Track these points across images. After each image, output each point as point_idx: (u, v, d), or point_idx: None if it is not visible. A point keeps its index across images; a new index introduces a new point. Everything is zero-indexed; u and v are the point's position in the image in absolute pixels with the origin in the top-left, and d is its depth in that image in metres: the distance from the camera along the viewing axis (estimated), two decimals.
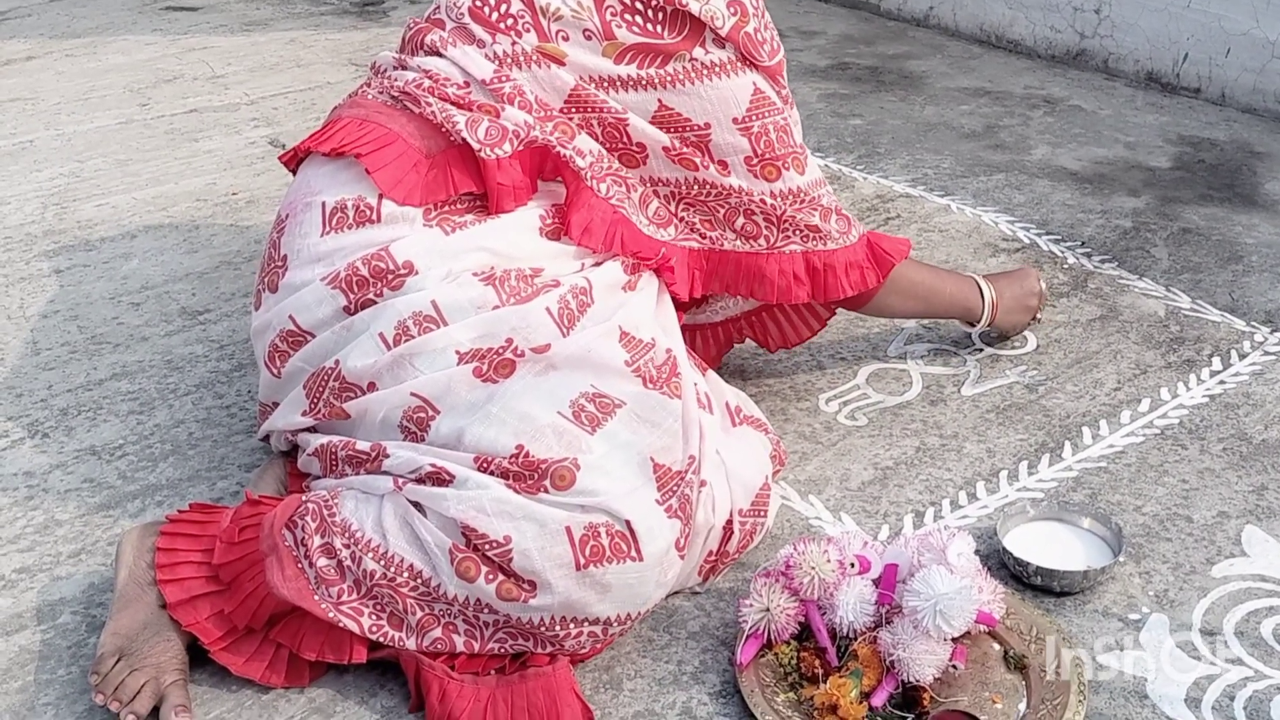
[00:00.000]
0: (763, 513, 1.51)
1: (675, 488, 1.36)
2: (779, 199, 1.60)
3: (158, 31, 3.77)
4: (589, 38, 1.50)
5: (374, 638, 1.32)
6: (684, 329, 1.76)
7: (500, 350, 1.37)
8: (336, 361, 1.41)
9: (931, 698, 1.30)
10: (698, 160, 1.55)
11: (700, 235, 1.61)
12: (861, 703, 1.28)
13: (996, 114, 3.01)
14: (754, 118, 1.55)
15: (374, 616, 1.32)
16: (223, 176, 2.69)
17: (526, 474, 1.30)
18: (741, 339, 1.89)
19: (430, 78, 1.50)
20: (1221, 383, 1.89)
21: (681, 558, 1.36)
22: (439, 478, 1.32)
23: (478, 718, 1.28)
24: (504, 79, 1.49)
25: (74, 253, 2.35)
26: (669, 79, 1.51)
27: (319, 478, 1.47)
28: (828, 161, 2.74)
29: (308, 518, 1.34)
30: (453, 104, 1.47)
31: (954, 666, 1.33)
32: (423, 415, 1.36)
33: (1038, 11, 3.38)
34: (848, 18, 3.86)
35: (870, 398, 1.87)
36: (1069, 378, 1.91)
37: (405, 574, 1.30)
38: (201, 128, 2.98)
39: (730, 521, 1.46)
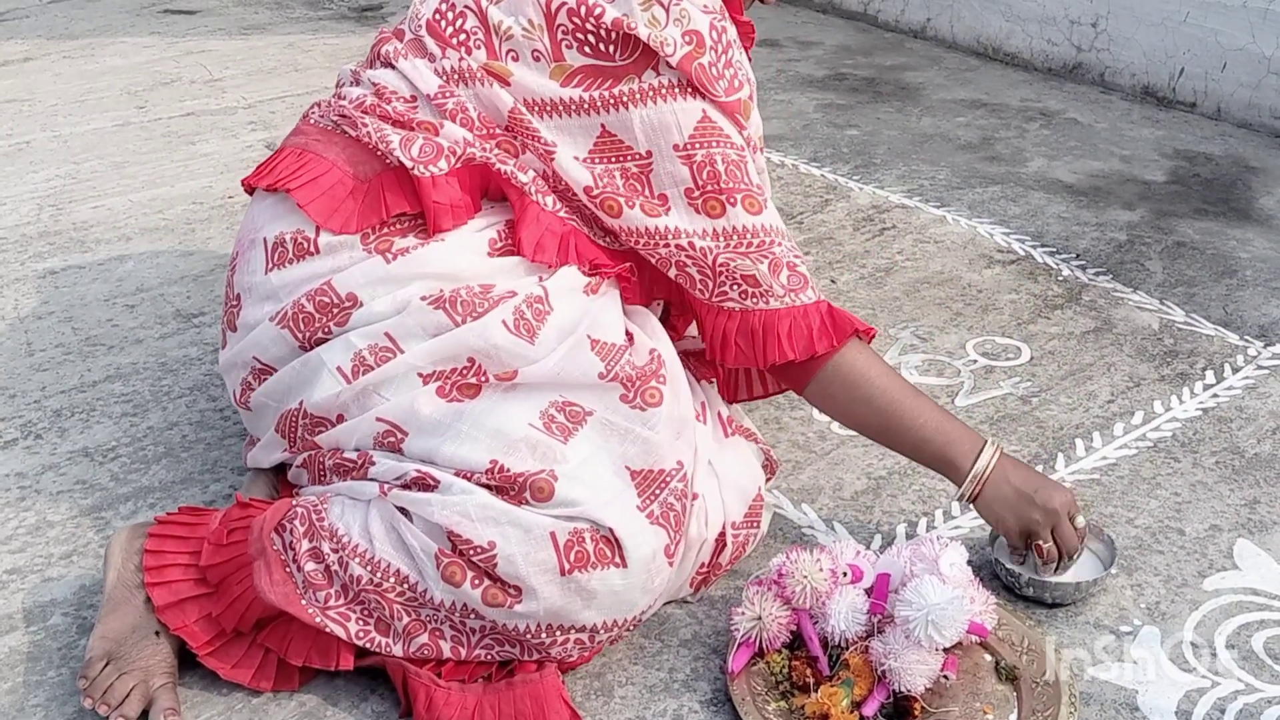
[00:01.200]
0: (755, 524, 1.51)
1: (656, 493, 1.35)
2: (719, 239, 1.44)
3: (155, 34, 3.77)
4: (537, 59, 1.44)
5: (360, 643, 1.31)
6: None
7: (464, 372, 1.36)
8: (300, 402, 1.41)
9: (923, 708, 1.30)
10: (620, 202, 1.44)
11: (636, 273, 1.52)
12: (853, 712, 1.28)
13: (993, 126, 3.02)
14: (697, 145, 1.42)
15: (360, 622, 1.31)
16: (219, 180, 2.69)
17: (506, 487, 1.30)
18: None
19: (377, 92, 1.48)
20: (1215, 396, 1.89)
21: (671, 566, 1.36)
22: (424, 483, 1.32)
23: None
24: (448, 95, 1.45)
25: (69, 254, 2.34)
26: (614, 101, 1.42)
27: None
28: (824, 172, 2.74)
29: (296, 521, 1.34)
30: (392, 122, 1.45)
31: (945, 677, 1.33)
32: (392, 439, 1.36)
33: (1035, 25, 3.39)
34: (845, 28, 3.87)
35: None
36: (1063, 389, 1.91)
37: (392, 579, 1.30)
38: (198, 131, 2.98)
39: (723, 534, 1.45)
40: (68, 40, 3.71)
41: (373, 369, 1.36)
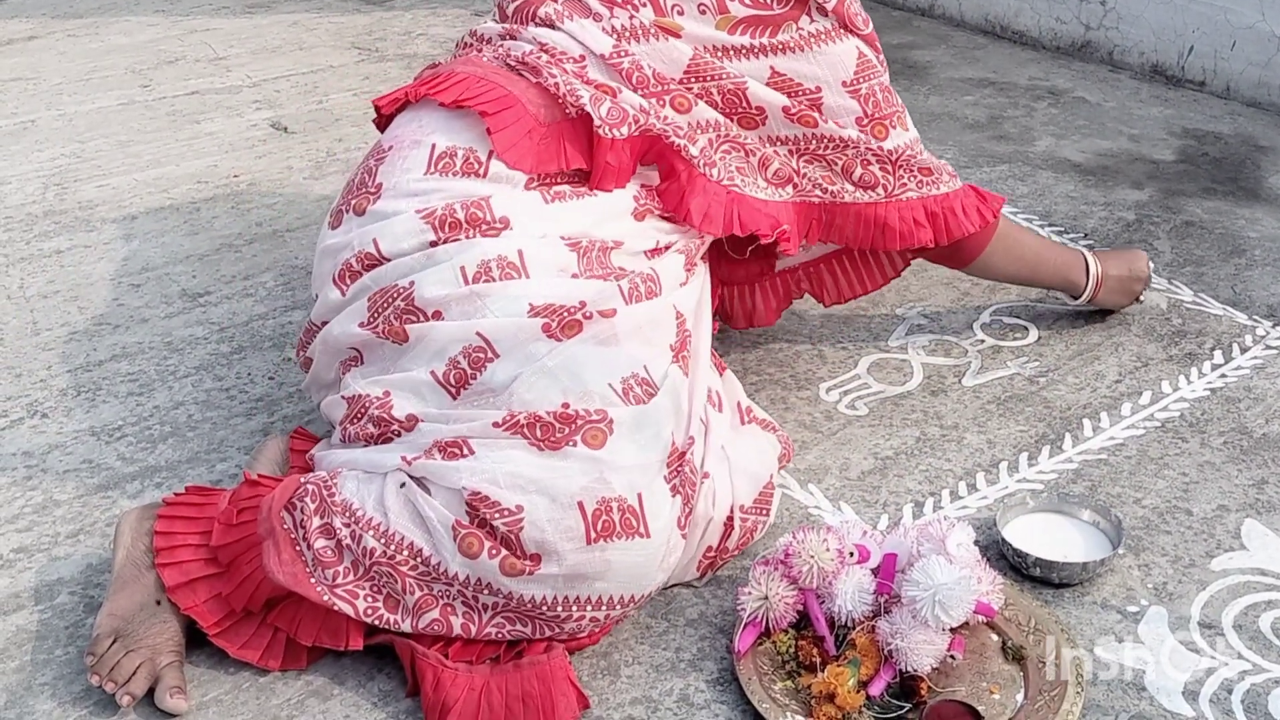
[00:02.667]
0: (765, 511, 1.51)
1: (679, 467, 1.36)
2: (890, 152, 1.66)
3: (160, 12, 3.76)
4: (703, 12, 1.57)
5: (369, 620, 1.31)
6: (744, 287, 1.86)
7: (572, 310, 1.37)
8: (411, 283, 1.40)
9: (929, 687, 1.30)
10: (816, 116, 1.61)
11: (821, 190, 1.66)
12: (859, 692, 1.28)
13: (1001, 105, 3.00)
14: (861, 80, 1.63)
15: (370, 598, 1.31)
16: (224, 159, 2.68)
17: (559, 425, 1.31)
18: (800, 293, 1.91)
19: (546, 50, 1.53)
20: (1223, 376, 1.89)
21: (683, 537, 1.37)
22: (455, 451, 1.32)
23: (471, 705, 1.28)
24: (623, 54, 1.53)
25: (74, 233, 2.34)
26: (780, 47, 1.58)
27: (327, 434, 1.47)
28: None
29: (307, 499, 1.34)
30: (574, 78, 1.50)
31: (952, 657, 1.33)
32: (481, 355, 1.36)
33: (1043, 2, 3.37)
34: None
35: (871, 387, 1.87)
36: (1070, 369, 1.90)
37: (405, 552, 1.30)
38: (203, 110, 2.97)
39: (731, 517, 1.45)
40: (72, 19, 3.70)
41: (494, 280, 1.38)
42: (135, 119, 2.91)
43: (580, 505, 1.29)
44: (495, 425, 1.32)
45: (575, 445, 1.30)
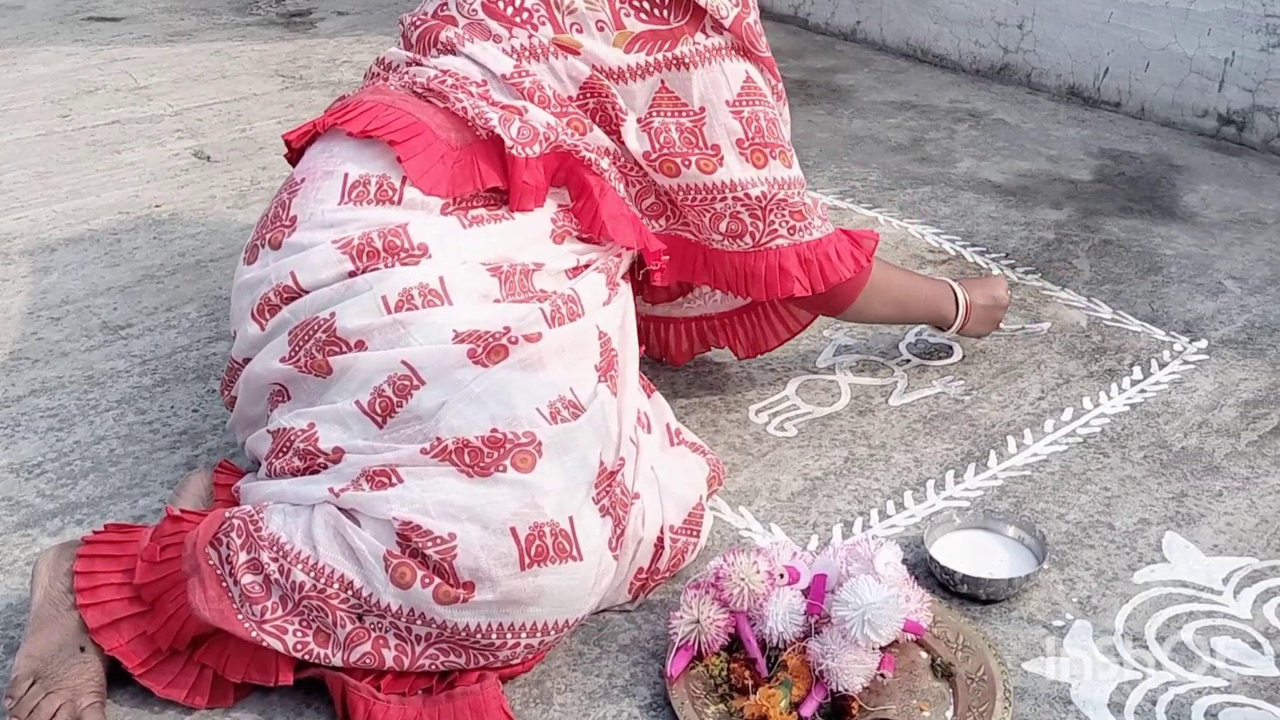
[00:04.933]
0: (695, 532, 1.51)
1: (608, 488, 1.36)
2: (765, 186, 1.63)
3: (79, 42, 3.71)
4: (601, 29, 1.56)
5: (299, 655, 1.30)
6: (660, 322, 1.88)
7: (496, 336, 1.37)
8: (332, 314, 1.39)
9: (860, 707, 1.31)
10: (677, 162, 1.59)
11: (692, 232, 1.66)
12: (791, 713, 1.29)
13: (923, 127, 3.04)
14: (744, 103, 1.61)
15: (300, 633, 1.30)
16: (145, 189, 2.65)
17: (487, 451, 1.30)
18: (707, 347, 1.93)
19: (450, 75, 1.52)
20: (1142, 391, 1.92)
21: (615, 559, 1.37)
22: (384, 480, 1.31)
23: None
24: (524, 74, 1.53)
25: None
26: (674, 61, 1.57)
27: (253, 469, 1.46)
28: None
29: (233, 534, 1.32)
30: (480, 100, 1.50)
31: (882, 675, 1.33)
32: (407, 384, 1.35)
33: (962, 27, 3.43)
34: (776, 31, 3.88)
35: (800, 409, 1.88)
36: (994, 387, 1.93)
37: (336, 585, 1.29)
38: (124, 139, 2.94)
39: (661, 538, 1.46)
40: None
41: (416, 309, 1.38)
42: (54, 149, 2.86)
43: (513, 531, 1.28)
44: (423, 452, 1.31)
45: (504, 470, 1.30)
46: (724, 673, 1.35)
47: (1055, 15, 3.20)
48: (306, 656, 1.30)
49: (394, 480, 1.31)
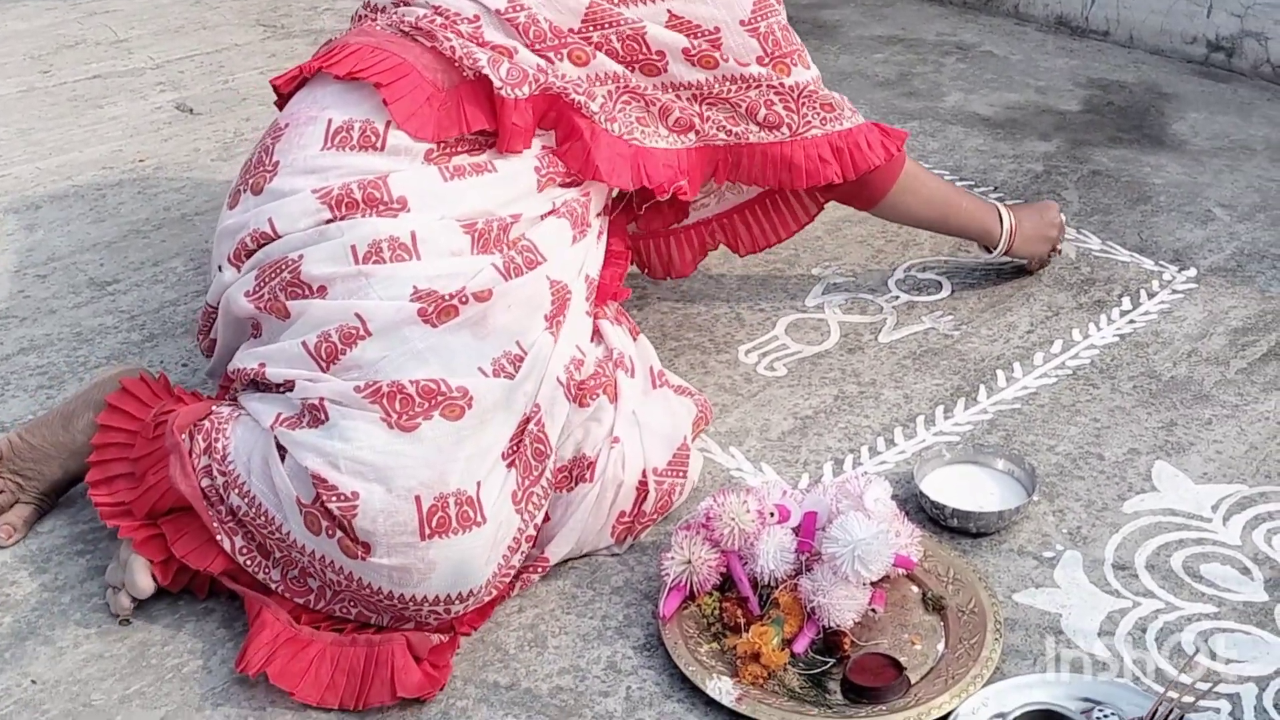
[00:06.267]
0: (682, 473, 1.51)
1: (520, 437, 1.37)
2: (794, 81, 1.66)
3: None
4: None
5: (242, 559, 1.34)
6: (659, 237, 1.87)
7: (449, 297, 1.36)
8: (300, 256, 1.39)
9: (852, 642, 1.32)
10: (716, 57, 1.61)
11: (725, 132, 1.66)
12: (783, 650, 1.30)
13: (910, 61, 3.02)
14: (759, 18, 1.63)
15: (245, 538, 1.35)
16: (129, 143, 2.63)
17: (419, 400, 1.30)
18: (715, 244, 1.92)
19: (440, 14, 1.51)
20: (1131, 322, 1.92)
21: (518, 512, 1.35)
22: (317, 415, 1.32)
23: (299, 671, 1.29)
24: (519, 7, 1.52)
25: None
26: None
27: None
28: None
29: (199, 436, 1.37)
30: (469, 41, 1.49)
31: (873, 610, 1.35)
32: (354, 333, 1.35)
33: None
34: None
35: (789, 348, 1.88)
36: (983, 322, 1.93)
37: (263, 517, 1.33)
38: (106, 94, 2.91)
39: (644, 481, 1.46)
40: None
41: (384, 261, 1.37)
42: (36, 106, 2.84)
43: (417, 499, 1.28)
44: (357, 390, 1.32)
45: (431, 419, 1.30)
46: (716, 612, 1.36)
47: None
48: (248, 562, 1.35)
49: (323, 416, 1.31)
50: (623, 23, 1.57)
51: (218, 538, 1.34)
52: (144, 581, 1.36)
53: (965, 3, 3.39)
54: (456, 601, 1.32)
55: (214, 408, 1.41)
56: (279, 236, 1.41)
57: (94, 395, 1.49)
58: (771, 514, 1.39)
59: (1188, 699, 1.23)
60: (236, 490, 1.33)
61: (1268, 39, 2.80)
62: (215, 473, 1.35)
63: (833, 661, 1.31)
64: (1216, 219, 2.22)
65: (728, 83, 1.63)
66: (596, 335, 1.54)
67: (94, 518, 1.47)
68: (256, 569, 1.34)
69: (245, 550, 1.34)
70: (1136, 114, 2.67)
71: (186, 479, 1.34)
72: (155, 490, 1.36)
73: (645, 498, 1.46)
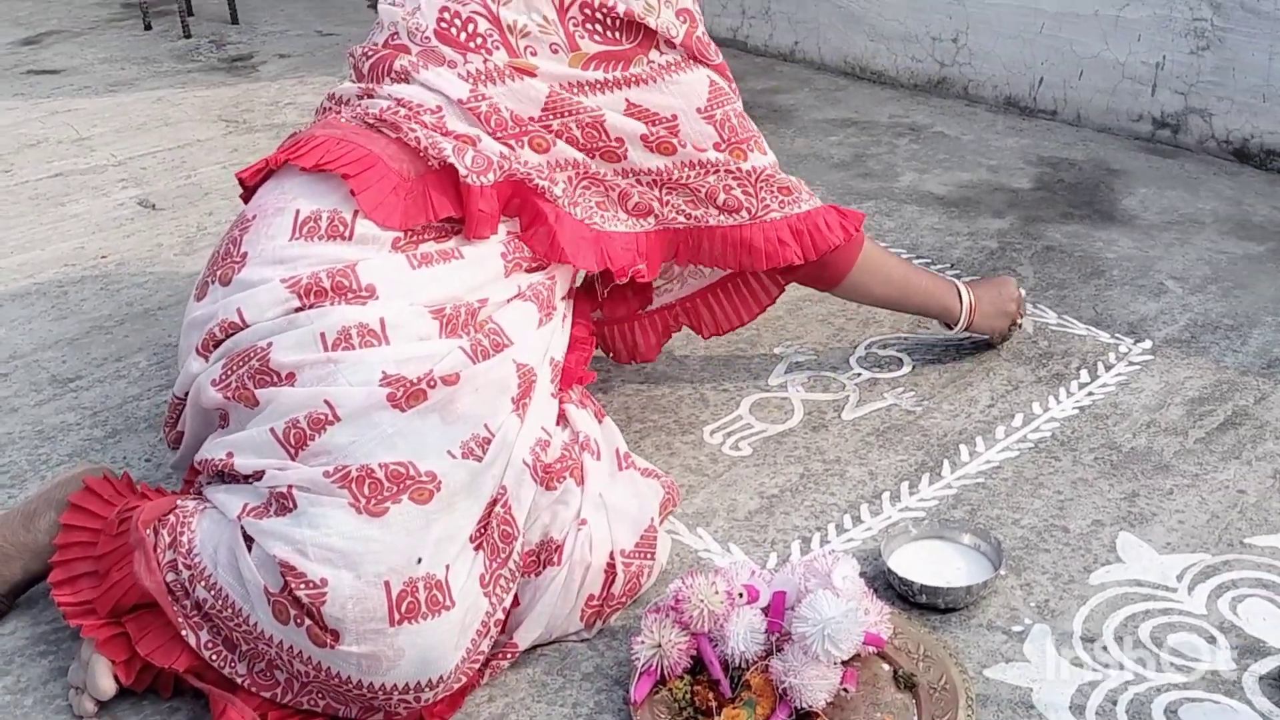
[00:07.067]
0: (650, 555, 1.51)
1: (486, 519, 1.38)
2: (750, 167, 1.70)
3: (20, 96, 3.69)
4: (555, 51, 1.59)
5: (208, 655, 1.33)
6: (625, 325, 1.89)
7: (417, 381, 1.36)
8: (269, 344, 1.39)
9: None
10: (675, 143, 1.65)
11: (686, 216, 1.69)
12: None
13: (864, 143, 3.08)
14: (714, 106, 1.67)
15: (211, 633, 1.33)
16: (91, 240, 2.63)
17: (388, 484, 1.30)
18: (679, 327, 1.95)
19: (404, 105, 1.53)
20: (1090, 394, 1.95)
21: (486, 595, 1.36)
22: (285, 503, 1.31)
23: None
24: (480, 97, 1.55)
25: None
26: (633, 80, 1.62)
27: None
28: None
29: (165, 530, 1.36)
30: (433, 131, 1.51)
31: (845, 690, 1.34)
32: (323, 419, 1.34)
33: (899, 43, 3.47)
34: None
35: (754, 427, 1.89)
36: (944, 397, 1.95)
37: (230, 610, 1.31)
38: (68, 191, 2.92)
39: (612, 564, 1.46)
40: None
41: (353, 348, 1.37)
42: None
43: (386, 584, 1.28)
44: (326, 474, 1.31)
45: (399, 503, 1.30)
46: (688, 695, 1.35)
47: (988, 28, 3.25)
48: (214, 657, 1.33)
49: (290, 505, 1.31)
50: (582, 111, 1.59)
51: (183, 632, 1.33)
52: (105, 683, 1.34)
53: (916, 86, 3.47)
54: (426, 689, 1.31)
55: (179, 501, 1.41)
56: (247, 326, 1.41)
57: (56, 494, 1.48)
58: (740, 594, 1.39)
59: None
60: (203, 583, 1.32)
61: (1211, 115, 2.87)
62: (180, 566, 1.33)
63: None
64: (1169, 291, 2.26)
65: (686, 168, 1.66)
66: (562, 419, 1.55)
67: (57, 618, 1.46)
68: (222, 663, 1.33)
69: (210, 645, 1.33)
70: (1087, 190, 2.73)
71: (151, 574, 1.33)
72: (119, 587, 1.35)
73: (613, 580, 1.46)
